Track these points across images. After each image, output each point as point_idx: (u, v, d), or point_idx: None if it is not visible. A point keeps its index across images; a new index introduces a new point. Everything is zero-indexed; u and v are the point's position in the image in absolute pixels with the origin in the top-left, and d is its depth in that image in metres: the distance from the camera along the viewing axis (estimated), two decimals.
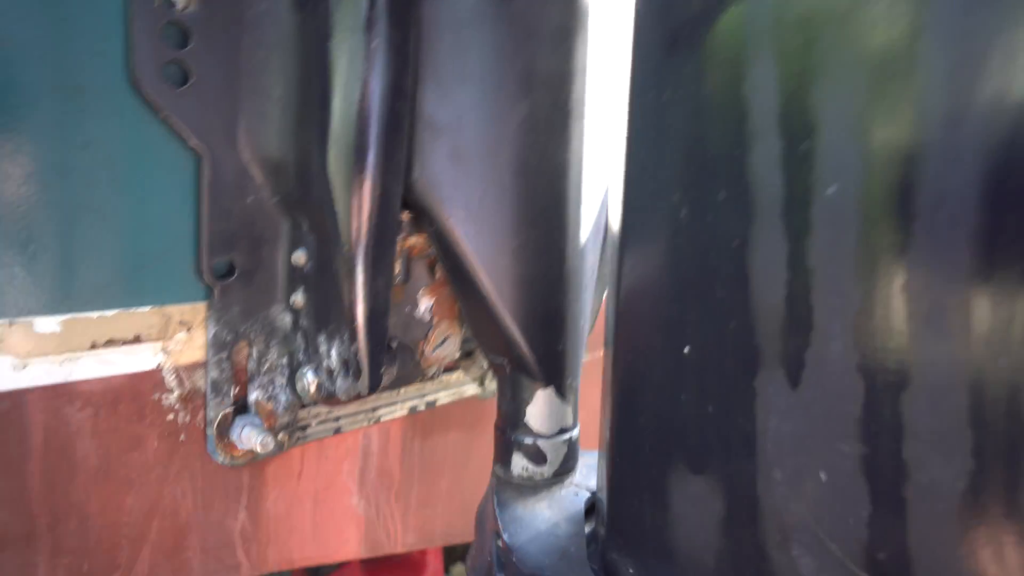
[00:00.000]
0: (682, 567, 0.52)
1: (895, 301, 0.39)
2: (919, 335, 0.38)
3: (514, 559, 0.60)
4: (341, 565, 1.75)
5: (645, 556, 0.54)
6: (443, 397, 1.02)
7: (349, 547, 0.98)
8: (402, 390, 0.95)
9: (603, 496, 0.59)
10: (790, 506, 0.45)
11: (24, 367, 0.57)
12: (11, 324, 0.56)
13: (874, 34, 0.38)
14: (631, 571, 0.56)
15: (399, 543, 1.07)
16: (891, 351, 0.39)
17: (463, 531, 1.18)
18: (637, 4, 0.49)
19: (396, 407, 0.95)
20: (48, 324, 0.58)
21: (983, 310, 0.36)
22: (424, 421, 1.05)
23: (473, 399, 1.10)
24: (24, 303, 0.56)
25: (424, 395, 0.99)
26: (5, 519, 0.58)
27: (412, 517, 1.08)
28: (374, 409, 0.92)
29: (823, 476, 0.43)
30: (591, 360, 1.05)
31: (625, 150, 0.52)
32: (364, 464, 0.97)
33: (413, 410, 0.98)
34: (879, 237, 0.39)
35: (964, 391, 0.37)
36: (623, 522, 0.56)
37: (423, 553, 1.83)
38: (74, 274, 0.59)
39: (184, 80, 0.61)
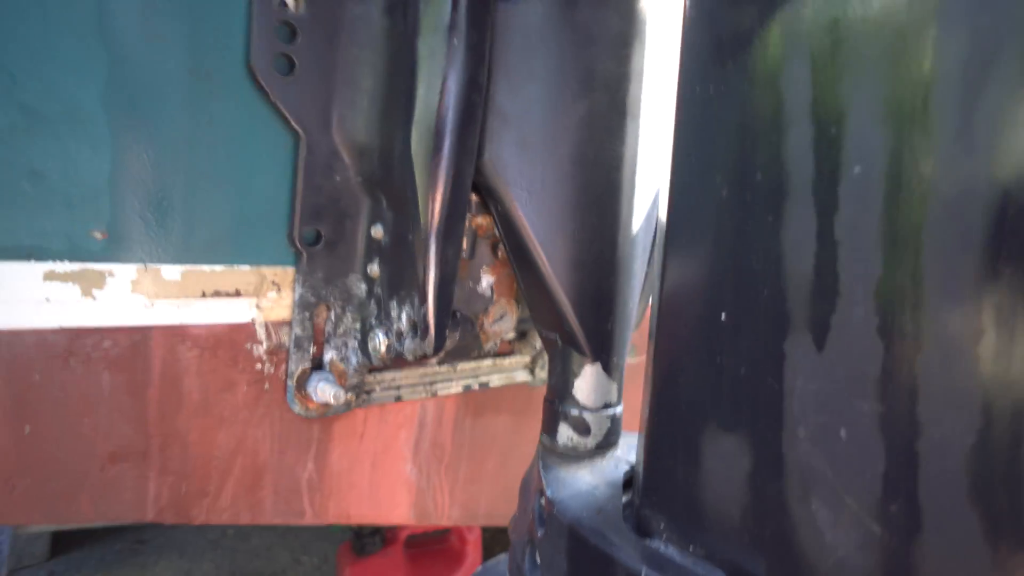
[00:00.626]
0: (709, 521, 0.56)
1: (913, 270, 0.43)
2: (934, 302, 0.42)
3: (555, 511, 0.66)
4: (385, 546, 1.84)
5: (675, 512, 0.59)
6: (495, 380, 1.09)
7: (400, 511, 1.06)
8: (458, 367, 1.02)
9: (640, 459, 0.64)
10: (811, 462, 0.49)
11: (152, 307, 0.67)
12: (146, 268, 0.66)
13: (888, 37, 0.42)
14: (662, 526, 0.60)
15: (445, 515, 1.13)
16: (908, 316, 0.43)
17: (505, 514, 1.23)
18: (686, 12, 0.55)
19: (452, 383, 1.02)
20: (172, 272, 0.68)
21: (991, 282, 0.40)
22: (477, 401, 1.12)
23: (524, 386, 1.16)
24: (155, 252, 0.67)
25: (478, 376, 1.06)
26: (129, 435, 0.69)
27: (459, 492, 1.15)
28: (432, 383, 1.00)
29: (843, 433, 0.47)
30: (638, 363, 1.10)
31: (673, 140, 0.58)
32: (419, 434, 1.04)
33: (467, 388, 1.05)
34: (899, 213, 0.43)
35: (973, 353, 0.41)
36: (657, 479, 0.61)
37: (463, 543, 1.89)
38: (193, 231, 0.69)
39: (291, 70, 0.71)
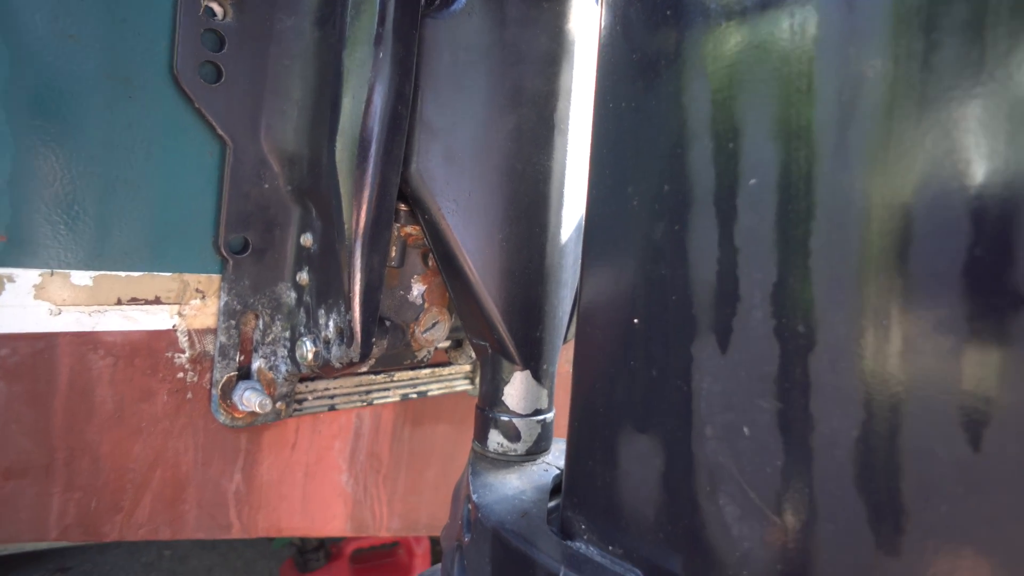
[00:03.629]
0: (627, 521, 0.58)
1: (802, 275, 0.46)
2: (821, 304, 0.45)
3: (480, 516, 0.66)
4: (330, 562, 1.79)
5: (596, 513, 0.60)
6: (434, 389, 1.08)
7: (336, 523, 1.04)
8: (395, 376, 1.02)
9: (565, 463, 0.65)
10: (719, 459, 0.51)
11: (59, 313, 0.65)
12: (52, 274, 0.64)
13: (776, 63, 0.46)
14: (583, 528, 0.61)
15: (384, 526, 1.12)
16: (800, 318, 0.46)
17: None
18: (600, 34, 0.57)
19: (389, 393, 1.02)
20: (82, 278, 0.66)
21: (869, 285, 0.43)
22: (415, 411, 1.12)
23: (464, 395, 1.16)
24: (63, 257, 0.65)
25: (416, 385, 1.05)
26: (29, 448, 0.66)
27: (398, 503, 1.14)
28: (368, 392, 0.99)
29: (746, 431, 0.50)
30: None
31: (591, 154, 0.60)
32: (355, 444, 1.03)
33: (404, 397, 1.04)
34: (789, 221, 0.46)
35: (856, 350, 0.44)
36: (578, 482, 0.62)
37: (411, 556, 1.87)
38: (108, 236, 0.67)
39: (217, 78, 0.70)
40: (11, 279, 0.62)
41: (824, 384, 0.46)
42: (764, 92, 0.47)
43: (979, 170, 0.38)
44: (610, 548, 0.59)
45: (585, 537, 0.61)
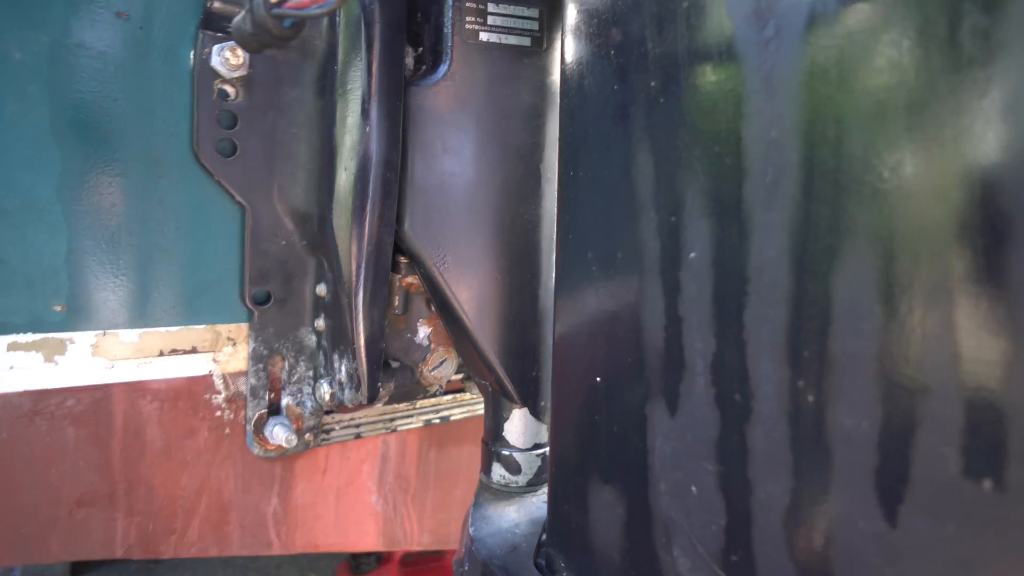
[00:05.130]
0: (597, 562, 0.61)
1: (736, 346, 0.48)
2: (755, 374, 0.47)
3: (473, 548, 0.72)
4: (380, 566, 1.91)
5: (571, 552, 0.64)
6: (457, 413, 1.15)
7: (368, 539, 1.12)
8: (418, 403, 1.08)
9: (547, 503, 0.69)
10: (672, 514, 0.54)
11: (112, 367, 0.75)
12: (104, 334, 0.74)
13: (708, 149, 0.48)
14: (562, 564, 0.66)
15: (415, 541, 1.20)
16: (736, 387, 0.48)
17: None
18: (560, 107, 0.61)
19: (412, 419, 1.09)
20: (130, 335, 0.76)
21: (797, 358, 0.45)
22: (440, 434, 1.18)
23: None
24: (113, 318, 0.75)
25: (439, 411, 1.12)
26: (95, 481, 0.77)
27: (428, 519, 1.21)
28: (392, 419, 1.06)
29: (694, 489, 0.52)
30: None
31: (558, 218, 0.64)
32: (383, 467, 1.11)
33: (428, 423, 1.11)
34: (725, 293, 0.49)
35: (786, 422, 0.46)
36: (557, 523, 0.66)
37: None
38: (149, 297, 0.77)
39: (233, 152, 0.78)
40: (72, 341, 0.73)
41: (759, 451, 0.48)
42: (699, 170, 0.49)
43: (883, 259, 0.40)
44: None
45: (564, 574, 0.65)
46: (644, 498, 0.56)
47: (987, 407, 0.36)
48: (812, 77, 0.43)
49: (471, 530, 0.75)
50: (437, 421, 1.12)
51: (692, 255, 0.51)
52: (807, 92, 0.44)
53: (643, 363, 0.55)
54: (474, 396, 1.16)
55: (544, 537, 0.75)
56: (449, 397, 1.12)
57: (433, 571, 1.91)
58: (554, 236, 0.82)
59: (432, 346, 0.89)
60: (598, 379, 0.59)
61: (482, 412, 1.18)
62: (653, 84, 0.53)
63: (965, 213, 0.36)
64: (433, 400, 1.10)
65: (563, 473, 0.65)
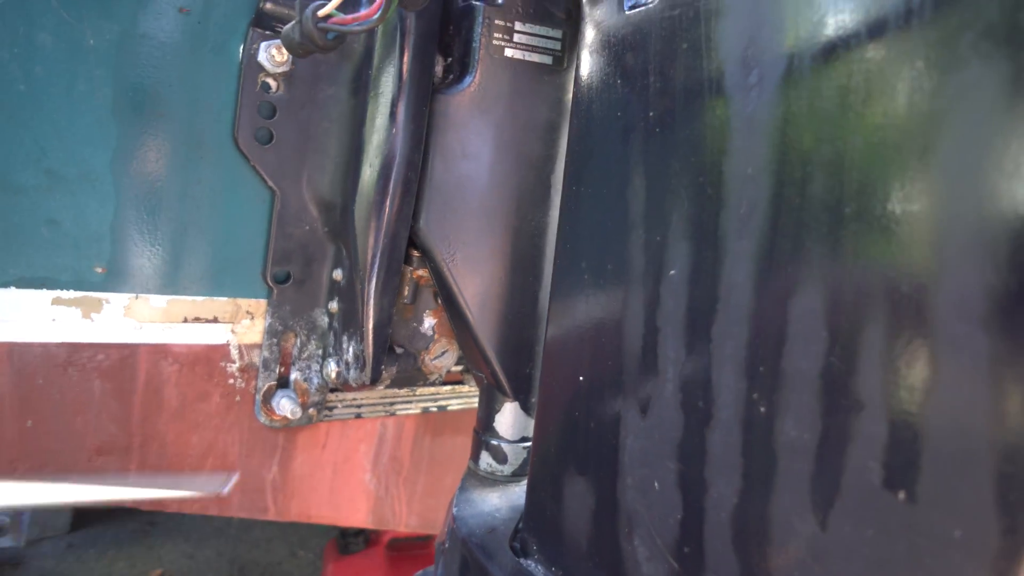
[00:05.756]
0: (565, 547, 0.67)
1: (704, 359, 0.54)
2: (717, 385, 0.53)
3: (454, 526, 0.77)
4: (368, 547, 1.97)
5: (544, 538, 0.70)
6: (454, 404, 1.20)
7: (359, 515, 1.18)
8: (418, 391, 1.14)
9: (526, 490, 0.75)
10: (636, 506, 0.60)
11: (141, 328, 0.82)
12: (137, 297, 0.81)
13: (689, 177, 0.53)
14: (535, 548, 0.71)
15: (403, 522, 1.25)
16: (700, 395, 0.54)
17: None
18: (570, 122, 0.67)
19: (411, 405, 1.15)
20: (159, 301, 0.83)
21: (755, 374, 0.50)
22: (436, 423, 1.24)
23: None
24: (146, 284, 0.81)
25: (437, 400, 1.18)
26: (114, 432, 0.83)
27: (417, 503, 1.27)
28: (392, 404, 1.12)
29: (656, 485, 0.58)
30: None
31: (558, 228, 0.69)
32: (379, 448, 1.17)
33: (425, 410, 1.17)
34: (695, 311, 0.54)
35: (740, 429, 0.51)
36: (533, 509, 0.72)
37: None
38: (180, 268, 0.84)
39: (269, 140, 0.85)
40: (108, 301, 0.80)
41: (715, 455, 0.53)
42: (684, 195, 0.55)
43: (833, 291, 0.45)
44: (553, 569, 0.68)
45: (536, 557, 0.71)
46: (612, 491, 0.62)
47: (907, 427, 0.41)
48: (786, 122, 0.48)
49: (455, 510, 0.81)
50: (435, 409, 1.18)
51: (672, 272, 0.56)
52: (781, 135, 0.49)
53: (622, 367, 0.61)
54: (471, 389, 1.21)
55: (521, 523, 0.80)
56: (448, 388, 1.18)
57: (419, 558, 1.96)
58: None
59: (436, 336, 0.95)
60: (581, 378, 0.65)
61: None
62: (651, 114, 0.59)
63: (907, 250, 0.41)
64: (432, 389, 1.16)
65: (543, 463, 0.70)
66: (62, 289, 0.77)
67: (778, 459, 0.49)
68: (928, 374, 0.40)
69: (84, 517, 2.49)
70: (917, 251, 0.40)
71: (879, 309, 0.43)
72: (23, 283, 0.75)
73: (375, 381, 0.85)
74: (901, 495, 0.42)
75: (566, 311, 0.68)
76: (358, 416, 1.09)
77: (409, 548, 2.00)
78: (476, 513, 0.80)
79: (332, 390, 1.03)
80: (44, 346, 0.77)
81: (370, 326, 0.82)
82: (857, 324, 0.44)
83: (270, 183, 0.87)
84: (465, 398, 1.21)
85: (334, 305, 0.94)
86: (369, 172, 0.77)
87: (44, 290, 0.76)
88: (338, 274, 0.93)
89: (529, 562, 0.71)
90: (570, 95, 0.85)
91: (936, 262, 0.40)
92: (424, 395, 1.16)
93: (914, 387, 0.41)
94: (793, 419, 0.48)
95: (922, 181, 0.40)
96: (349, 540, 1.92)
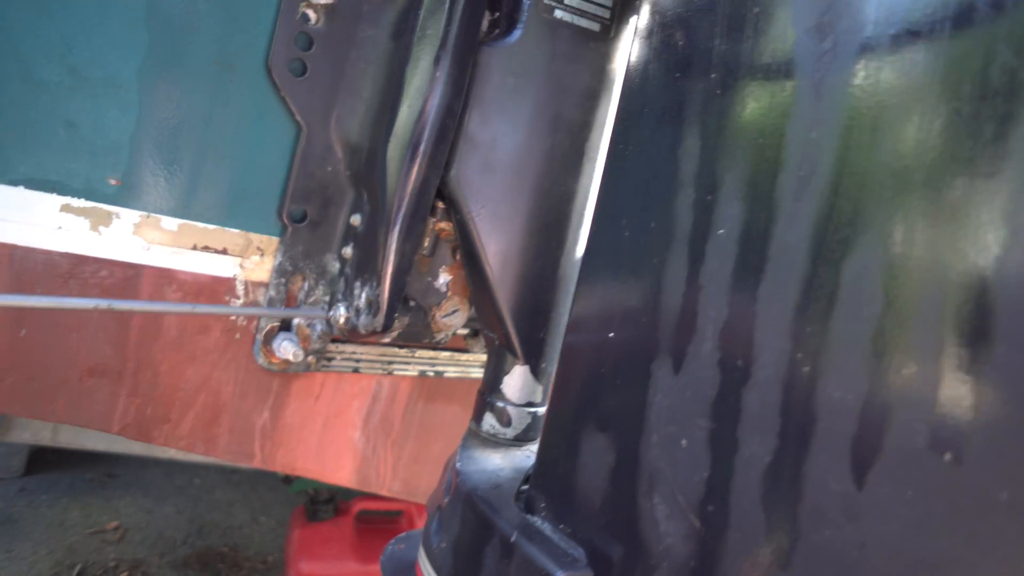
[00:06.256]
0: (578, 506, 0.66)
1: (747, 318, 0.53)
2: (759, 344, 0.53)
3: (459, 480, 0.76)
4: (337, 516, 1.94)
5: (554, 495, 0.69)
6: (451, 371, 1.19)
7: (343, 473, 1.16)
8: (416, 353, 1.13)
9: (538, 447, 0.74)
10: (659, 464, 0.59)
11: (148, 249, 0.79)
12: (148, 216, 0.78)
13: (748, 135, 0.53)
14: (543, 505, 0.70)
15: (386, 486, 1.24)
16: (740, 354, 0.54)
17: None
18: (623, 80, 0.66)
19: (409, 367, 1.13)
20: (170, 223, 0.80)
21: (802, 334, 0.50)
22: (430, 388, 1.23)
23: (477, 382, 1.26)
24: (159, 204, 0.78)
25: (435, 364, 1.16)
26: (109, 355, 0.80)
27: (402, 468, 1.25)
28: (390, 362, 1.10)
29: (684, 443, 0.58)
30: None
31: (600, 184, 0.69)
32: (371, 407, 1.15)
33: (422, 374, 1.15)
34: (744, 269, 0.54)
35: (780, 388, 0.51)
36: (545, 465, 0.71)
37: (411, 526, 1.98)
38: (195, 192, 0.81)
39: (303, 72, 0.83)
40: (118, 216, 0.77)
41: (750, 414, 0.53)
42: (741, 157, 0.55)
43: (890, 258, 0.45)
44: (561, 527, 0.68)
45: (543, 514, 0.70)
46: (635, 449, 0.61)
47: (960, 388, 0.41)
48: (858, 88, 0.49)
49: (458, 465, 0.79)
50: (431, 374, 1.16)
51: (721, 231, 0.56)
52: (851, 101, 0.49)
53: (657, 324, 0.60)
54: (469, 358, 1.20)
55: (524, 486, 0.79)
56: (447, 354, 1.17)
57: (386, 531, 1.94)
58: (585, 211, 0.87)
59: (448, 294, 0.94)
60: (611, 335, 0.64)
61: (474, 376, 1.23)
62: (713, 76, 0.59)
63: (971, 220, 0.41)
64: (432, 353, 1.15)
65: (560, 420, 0.70)
66: (72, 196, 0.74)
67: (818, 419, 0.49)
68: (981, 337, 0.40)
69: (39, 461, 2.40)
70: (980, 221, 0.41)
71: (937, 275, 0.44)
72: (33, 184, 0.71)
73: (387, 328, 0.83)
74: (947, 456, 0.42)
75: (600, 268, 0.67)
76: (355, 371, 1.07)
77: (378, 521, 1.97)
78: (480, 470, 0.79)
79: (333, 340, 1.01)
80: (47, 254, 0.74)
81: (389, 270, 0.80)
82: (913, 288, 0.45)
83: (298, 117, 0.84)
84: (463, 366, 1.20)
85: (348, 251, 0.92)
86: (407, 113, 0.76)
87: (54, 195, 0.72)
88: (356, 219, 0.91)
89: (536, 519, 0.70)
90: (613, 65, 0.85)
91: (999, 237, 0.40)
92: (423, 358, 1.14)
93: (968, 350, 0.41)
94: (838, 380, 0.48)
95: (995, 154, 0.41)
96: (319, 507, 1.89)
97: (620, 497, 0.63)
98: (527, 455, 0.89)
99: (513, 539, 0.66)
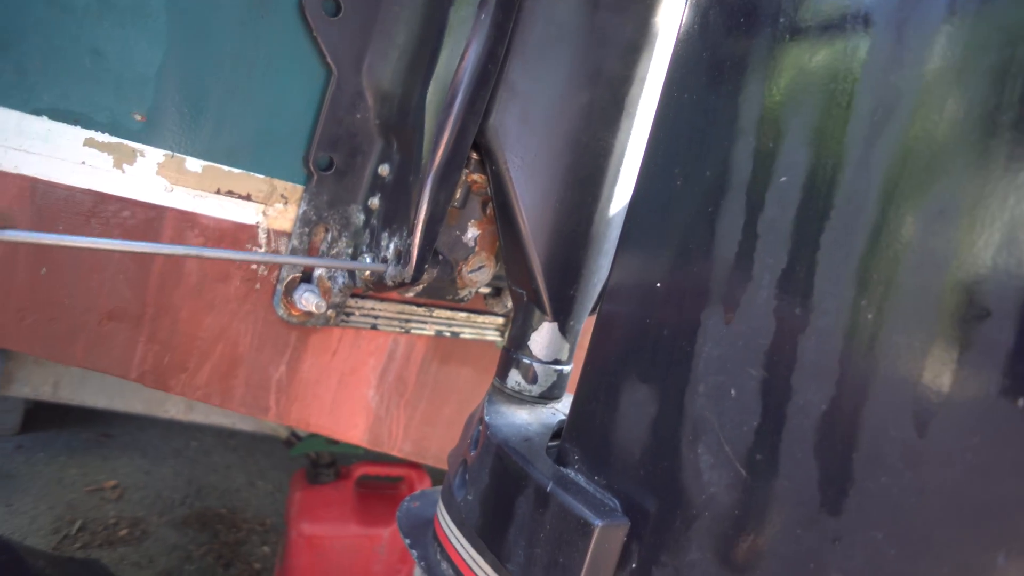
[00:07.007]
0: (614, 458, 0.66)
1: (808, 267, 0.52)
2: (819, 292, 0.52)
3: (488, 433, 0.75)
4: (338, 480, 1.93)
5: (589, 447, 0.69)
6: (467, 333, 1.18)
7: (356, 432, 1.15)
8: (434, 313, 1.11)
9: (571, 402, 0.73)
10: (705, 413, 0.59)
11: (171, 191, 0.76)
12: (172, 156, 0.75)
13: (817, 82, 0.52)
14: (576, 458, 0.70)
15: (397, 447, 1.23)
16: (798, 303, 0.53)
17: None
18: (680, 29, 0.64)
19: (426, 326, 1.12)
20: (195, 164, 0.77)
21: (865, 284, 0.49)
22: (445, 349, 1.21)
23: (492, 345, 1.25)
24: (184, 144, 0.76)
25: (452, 325, 1.15)
26: (128, 298, 0.78)
27: (414, 429, 1.24)
28: (408, 320, 1.09)
29: (733, 392, 0.57)
30: None
31: (650, 132, 0.67)
32: (387, 365, 1.14)
33: (439, 334, 1.14)
34: (806, 218, 0.53)
35: (840, 336, 0.50)
36: (579, 419, 0.70)
37: (412, 491, 1.99)
38: (221, 133, 0.78)
39: (336, 12, 0.80)
40: (142, 154, 0.74)
41: (806, 362, 0.52)
42: (809, 103, 0.53)
43: (966, 206, 0.44)
44: (596, 478, 0.67)
45: (576, 466, 0.69)
46: (679, 398, 0.60)
47: None
48: (942, 35, 0.47)
49: (487, 418, 0.78)
50: (448, 335, 1.15)
51: (784, 179, 0.55)
52: (933, 48, 0.48)
53: (709, 273, 0.59)
54: (485, 320, 1.19)
55: (554, 444, 0.79)
56: (464, 315, 1.15)
57: (387, 497, 1.94)
58: (622, 167, 0.85)
59: (476, 249, 0.92)
60: (658, 284, 0.63)
61: (489, 338, 1.22)
62: (783, 20, 0.57)
63: None
64: (449, 313, 1.13)
65: (599, 371, 0.69)
66: (97, 131, 0.71)
67: (879, 366, 0.48)
68: None
69: (35, 419, 2.37)
70: None
71: (1015, 223, 0.43)
72: (56, 115, 0.68)
73: (416, 279, 0.82)
74: (1021, 402, 0.42)
75: (648, 218, 0.66)
76: (373, 327, 1.05)
77: (379, 487, 1.97)
78: (509, 423, 0.79)
79: (353, 296, 0.99)
80: (70, 190, 0.71)
81: (422, 219, 0.78)
82: (988, 239, 0.44)
83: (329, 60, 0.81)
84: (479, 328, 1.19)
85: (375, 201, 0.89)
86: (448, 57, 0.73)
87: (78, 127, 0.69)
88: (384, 169, 0.88)
89: (569, 471, 0.70)
90: (657, 19, 0.82)
91: None
92: (440, 318, 1.13)
93: None
94: (903, 327, 0.47)
95: None
96: (320, 470, 1.88)
97: (661, 448, 0.62)
98: (552, 412, 0.88)
99: (549, 489, 0.66)
